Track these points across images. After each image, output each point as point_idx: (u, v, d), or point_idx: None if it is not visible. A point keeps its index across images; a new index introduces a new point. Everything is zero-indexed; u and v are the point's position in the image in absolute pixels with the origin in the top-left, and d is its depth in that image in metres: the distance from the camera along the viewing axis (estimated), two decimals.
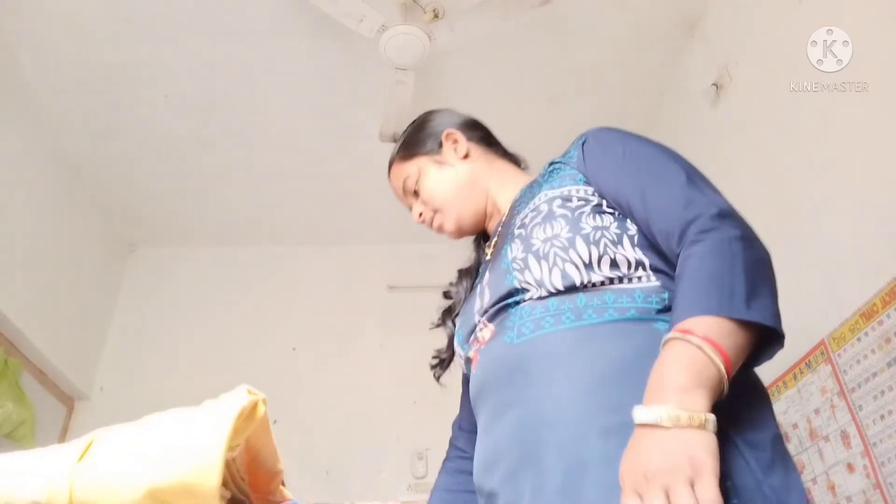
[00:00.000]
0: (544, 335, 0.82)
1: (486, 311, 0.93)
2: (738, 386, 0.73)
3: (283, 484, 0.86)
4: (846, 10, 1.80)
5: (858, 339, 1.72)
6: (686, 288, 0.74)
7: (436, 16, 2.36)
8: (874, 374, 1.66)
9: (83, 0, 2.30)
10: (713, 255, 0.74)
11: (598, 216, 0.88)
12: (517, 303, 0.88)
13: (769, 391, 2.08)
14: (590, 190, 0.92)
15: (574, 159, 0.98)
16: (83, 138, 2.81)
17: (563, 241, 0.86)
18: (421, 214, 1.16)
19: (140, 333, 3.19)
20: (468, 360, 0.97)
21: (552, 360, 0.80)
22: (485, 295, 0.95)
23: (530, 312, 0.85)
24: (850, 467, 1.73)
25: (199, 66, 2.57)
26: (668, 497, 0.61)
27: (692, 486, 0.61)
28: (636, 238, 0.86)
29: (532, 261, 0.88)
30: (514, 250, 0.92)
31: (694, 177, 0.85)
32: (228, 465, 0.71)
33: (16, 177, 2.54)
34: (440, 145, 1.17)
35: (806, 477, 1.90)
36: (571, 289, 0.84)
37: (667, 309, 0.80)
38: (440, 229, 1.16)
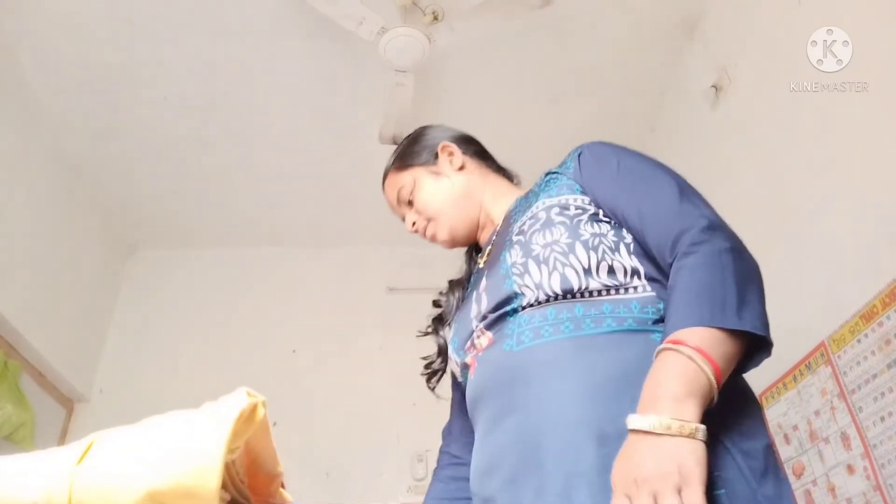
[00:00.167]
0: (544, 344, 0.83)
1: (484, 318, 0.94)
2: (733, 397, 0.76)
3: (283, 486, 0.86)
4: (846, 11, 1.80)
5: (858, 341, 1.72)
6: (678, 299, 0.76)
7: (435, 18, 2.36)
8: (874, 376, 1.66)
9: (83, 0, 2.30)
10: (704, 267, 0.77)
11: (595, 224, 0.91)
12: (515, 311, 0.89)
13: (769, 393, 2.09)
14: (586, 199, 0.94)
15: (571, 170, 1.00)
16: (83, 138, 2.81)
17: (563, 246, 0.88)
18: (414, 223, 1.18)
19: (140, 335, 3.18)
20: (465, 367, 0.98)
21: (552, 368, 0.81)
22: (482, 301, 0.96)
23: (529, 321, 0.86)
24: (850, 469, 1.73)
25: (200, 67, 2.57)
26: (656, 502, 0.63)
27: (679, 492, 0.63)
28: (632, 246, 0.89)
29: (532, 265, 0.89)
30: (514, 255, 0.93)
31: (686, 190, 0.88)
32: (228, 468, 0.71)
33: (16, 177, 2.54)
34: (436, 157, 1.19)
35: (806, 479, 1.90)
36: (568, 294, 0.85)
37: (662, 319, 0.81)
38: (433, 238, 1.17)
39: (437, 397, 1.17)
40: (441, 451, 1.17)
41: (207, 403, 0.70)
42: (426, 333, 1.17)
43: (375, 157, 2.98)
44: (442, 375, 1.16)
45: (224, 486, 0.67)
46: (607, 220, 0.92)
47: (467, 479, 1.00)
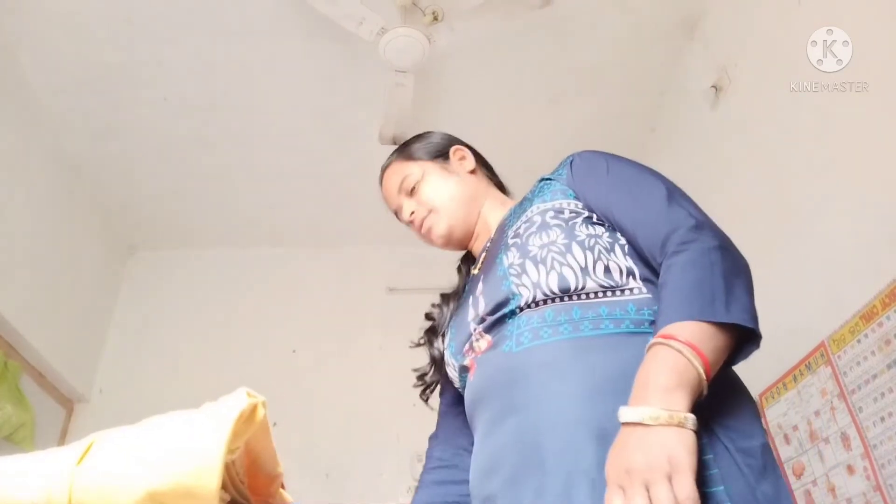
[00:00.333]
0: (543, 345, 0.84)
1: (482, 320, 0.95)
2: (730, 396, 0.79)
3: (282, 486, 0.86)
4: (846, 11, 1.80)
5: (858, 341, 1.72)
6: (669, 295, 0.78)
7: (435, 18, 2.36)
8: (874, 376, 1.66)
9: (83, 0, 2.30)
10: (693, 264, 0.79)
11: (590, 226, 0.93)
12: (513, 312, 0.90)
13: (769, 393, 2.09)
14: (580, 204, 0.97)
15: (564, 176, 1.03)
16: (83, 138, 2.81)
17: (559, 246, 0.89)
18: (413, 213, 1.17)
19: (140, 335, 3.18)
20: (463, 369, 0.98)
21: (551, 369, 0.82)
22: (479, 304, 0.97)
23: (527, 322, 0.88)
24: (850, 469, 1.73)
25: (199, 67, 2.57)
26: (648, 491, 0.64)
27: (670, 481, 0.64)
28: (626, 248, 0.91)
29: (529, 265, 0.90)
30: (511, 257, 0.94)
31: (674, 193, 0.91)
32: (228, 468, 0.71)
33: (16, 177, 2.54)
34: (447, 157, 1.21)
35: (806, 479, 1.90)
36: (566, 294, 0.86)
37: None
38: (428, 232, 1.17)
39: (430, 409, 1.18)
40: (427, 456, 1.17)
41: (207, 403, 0.70)
42: (419, 344, 1.18)
43: (375, 158, 2.97)
44: (435, 388, 1.17)
45: (224, 487, 0.67)
46: (601, 223, 0.94)
47: (452, 483, 1.04)
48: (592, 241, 0.90)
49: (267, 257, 3.43)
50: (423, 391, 1.17)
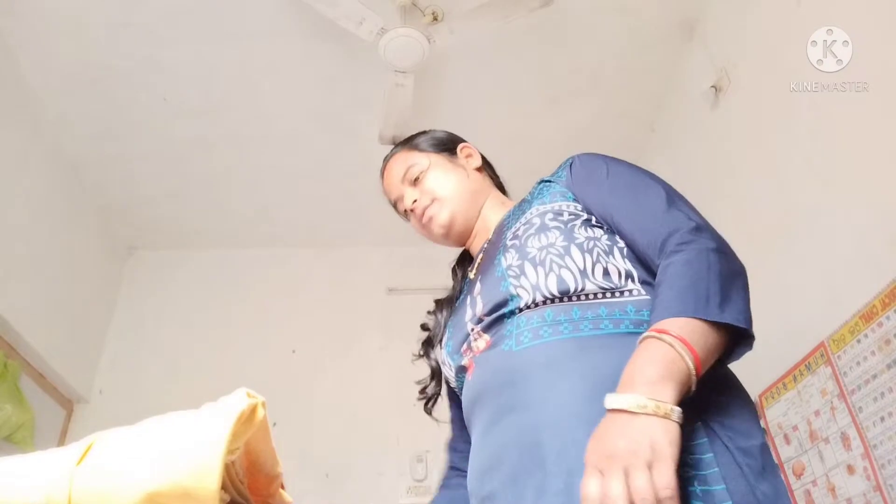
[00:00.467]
0: (543, 344, 0.85)
1: (480, 321, 0.95)
2: (728, 396, 0.79)
3: (282, 487, 0.86)
4: (845, 11, 1.80)
5: (858, 341, 1.72)
6: (664, 293, 0.79)
7: (435, 18, 2.36)
8: (874, 376, 1.66)
9: (83, 1, 2.30)
10: (690, 264, 0.80)
11: (589, 229, 0.93)
12: (512, 312, 0.90)
13: (769, 393, 2.09)
14: (579, 206, 0.97)
15: (563, 178, 1.03)
16: (83, 139, 2.81)
17: (558, 248, 0.90)
18: (415, 201, 1.16)
19: (139, 336, 3.18)
20: (461, 369, 0.98)
21: (552, 368, 0.82)
22: (477, 304, 0.97)
23: (527, 322, 0.88)
24: (850, 469, 1.73)
25: (199, 68, 2.57)
26: (626, 477, 0.64)
27: (650, 469, 0.64)
28: (625, 251, 0.91)
29: (528, 267, 0.90)
30: (509, 259, 0.94)
31: (673, 196, 0.92)
32: (228, 469, 0.71)
33: (15, 178, 2.54)
34: (454, 152, 1.21)
35: (806, 479, 1.90)
36: (565, 296, 0.87)
37: None
38: (429, 221, 1.16)
39: (435, 420, 1.17)
40: (448, 467, 1.17)
41: (207, 404, 0.70)
42: (419, 357, 1.18)
43: (375, 158, 2.96)
44: (437, 399, 1.17)
45: (224, 487, 0.67)
46: (599, 225, 0.94)
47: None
48: (591, 243, 0.90)
49: (267, 258, 3.43)
50: (426, 404, 1.17)
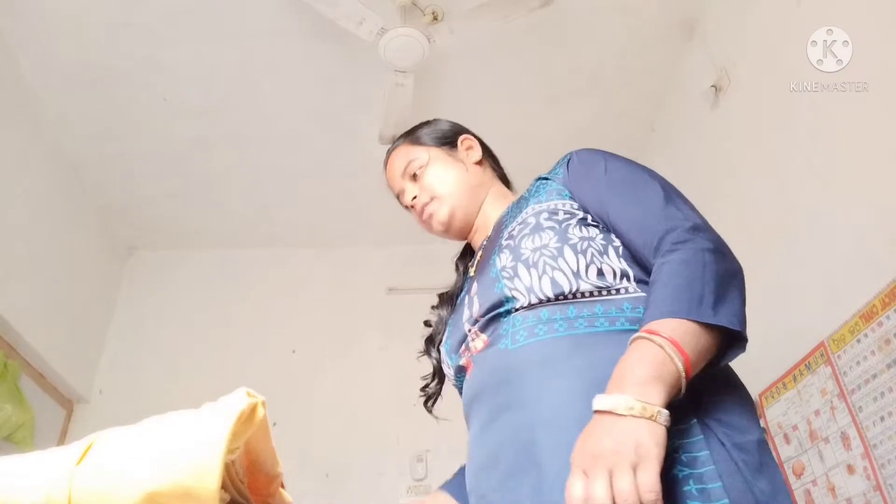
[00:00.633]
0: (539, 342, 0.85)
1: (476, 321, 0.95)
2: (725, 392, 0.78)
3: (282, 486, 0.86)
4: (845, 11, 1.80)
5: (858, 341, 1.72)
6: (658, 292, 0.78)
7: (435, 18, 2.36)
8: (874, 376, 1.66)
9: (83, 1, 2.30)
10: (685, 264, 0.79)
11: (584, 228, 0.92)
12: (508, 312, 0.90)
13: (769, 393, 2.09)
14: (575, 205, 0.96)
15: (560, 176, 1.02)
16: (83, 139, 2.81)
17: (551, 250, 0.89)
18: (415, 198, 1.17)
19: (139, 336, 3.18)
20: (460, 369, 0.98)
21: (547, 366, 0.82)
22: (473, 305, 0.97)
23: (523, 321, 0.88)
24: (850, 469, 1.73)
25: (199, 68, 2.57)
26: (611, 478, 0.64)
27: (635, 470, 0.63)
28: (621, 250, 0.90)
29: (521, 269, 0.90)
30: (503, 259, 0.94)
31: (671, 194, 0.90)
32: (228, 468, 0.71)
33: (15, 178, 2.54)
34: (454, 145, 1.20)
35: (806, 478, 1.90)
36: (560, 297, 0.86)
37: None
38: (429, 218, 1.16)
39: (435, 418, 1.18)
40: None
41: (207, 404, 0.70)
42: (423, 354, 1.18)
43: (375, 158, 2.98)
44: (438, 398, 1.17)
45: (224, 487, 0.67)
46: (595, 224, 0.93)
47: None
48: (585, 243, 0.89)
49: (267, 257, 3.43)
50: (427, 402, 1.17)
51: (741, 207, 2.21)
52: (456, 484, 1.11)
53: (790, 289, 1.99)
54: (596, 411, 0.69)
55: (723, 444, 0.72)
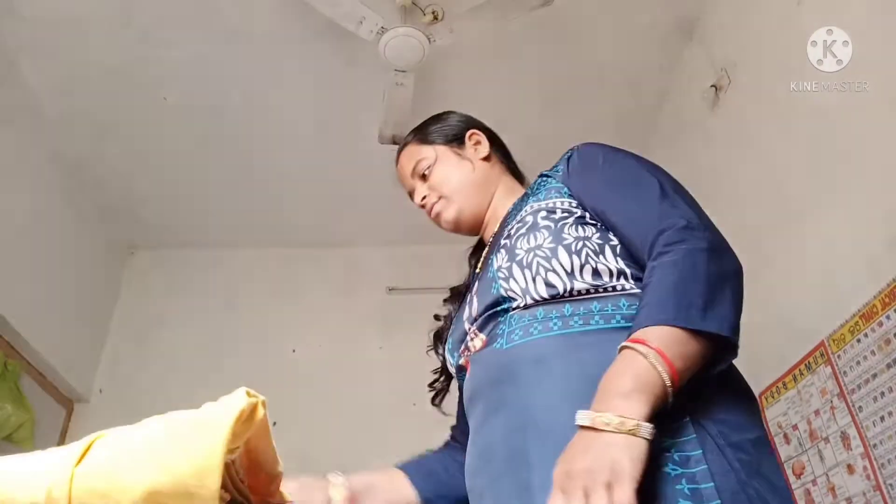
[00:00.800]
0: (532, 341, 0.84)
1: (475, 320, 0.95)
2: (723, 391, 0.77)
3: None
4: (845, 11, 1.80)
5: (858, 341, 1.72)
6: (647, 297, 0.77)
7: (435, 17, 2.36)
8: (874, 376, 1.66)
9: (83, 1, 2.30)
10: (675, 267, 0.77)
11: (580, 227, 0.91)
12: (505, 311, 0.91)
13: (769, 392, 2.09)
14: (574, 202, 0.95)
15: (560, 173, 1.02)
16: (83, 140, 2.81)
17: (545, 250, 0.89)
18: (424, 198, 1.17)
19: (139, 336, 3.18)
20: (460, 369, 0.99)
21: (540, 364, 0.82)
22: (473, 304, 0.97)
23: (519, 320, 0.88)
24: (850, 469, 1.73)
25: (199, 69, 2.57)
26: (587, 497, 0.63)
27: (610, 488, 0.63)
28: (618, 248, 0.89)
29: (516, 270, 0.90)
30: (500, 260, 0.94)
31: (668, 190, 0.88)
32: (228, 468, 0.71)
33: (15, 177, 2.54)
34: (462, 141, 1.20)
35: (806, 478, 1.90)
36: (556, 297, 0.86)
37: None
38: (437, 217, 1.17)
39: (443, 413, 1.18)
40: (450, 438, 1.20)
41: (207, 403, 0.70)
42: (431, 348, 1.19)
43: (375, 158, 2.99)
44: (445, 394, 1.17)
45: (224, 487, 0.67)
46: (593, 222, 0.92)
47: (461, 463, 1.04)
48: (580, 243, 0.88)
49: (266, 258, 3.43)
50: (434, 397, 1.18)
51: (741, 207, 2.21)
52: (415, 466, 1.12)
53: (790, 288, 1.99)
54: (578, 426, 0.69)
55: (717, 443, 0.71)
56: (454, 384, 1.17)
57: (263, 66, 2.60)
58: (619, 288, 0.86)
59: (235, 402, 0.69)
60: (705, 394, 0.75)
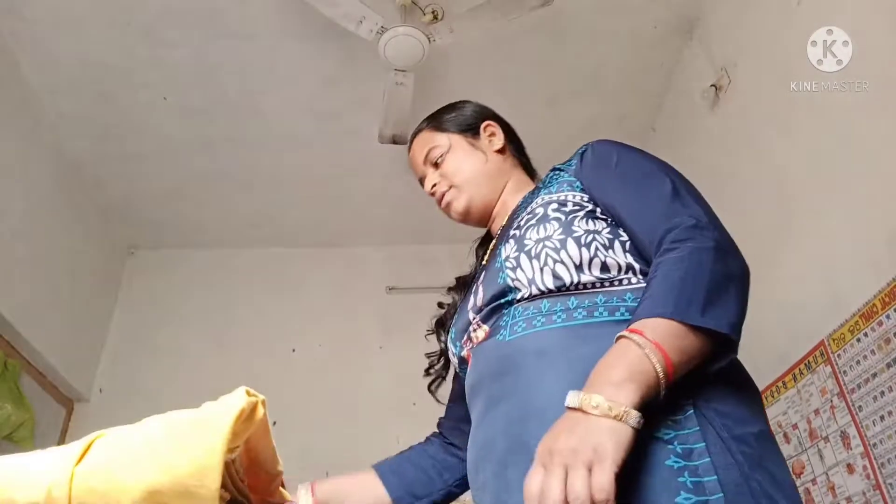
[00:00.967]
0: (535, 333, 0.84)
1: (480, 310, 0.95)
2: (729, 384, 0.77)
3: (282, 485, 0.86)
4: (845, 11, 1.80)
5: (858, 340, 1.72)
6: (649, 290, 0.77)
7: (435, 17, 2.36)
8: (874, 375, 1.66)
9: (83, 1, 2.30)
10: (680, 263, 0.78)
11: (591, 221, 0.91)
12: (510, 303, 0.90)
13: (769, 392, 2.09)
14: (585, 196, 0.95)
15: (573, 167, 1.02)
16: (83, 139, 2.82)
17: (555, 242, 0.88)
18: (435, 185, 1.16)
19: (139, 335, 3.18)
20: (462, 360, 0.99)
21: (542, 356, 0.82)
22: (479, 293, 0.97)
23: (522, 312, 0.88)
24: (849, 468, 1.73)
25: (199, 68, 2.57)
26: (567, 475, 0.63)
27: (590, 470, 0.63)
28: (627, 244, 0.89)
29: (524, 260, 0.90)
30: (508, 250, 0.94)
31: (680, 189, 0.89)
32: (228, 467, 0.71)
33: (16, 178, 2.54)
34: (477, 132, 1.20)
35: (806, 478, 1.90)
36: (562, 289, 0.86)
37: None
38: (447, 207, 1.16)
39: (437, 401, 1.18)
40: (435, 433, 1.21)
41: (207, 403, 0.71)
42: (431, 333, 1.18)
43: (375, 157, 2.99)
44: (443, 381, 1.17)
45: (224, 485, 0.68)
46: (604, 217, 0.92)
47: (451, 454, 1.10)
48: (590, 237, 0.88)
49: (266, 258, 3.43)
50: (431, 383, 1.17)
51: (741, 207, 2.21)
52: (387, 465, 1.12)
53: (790, 288, 1.99)
54: (566, 407, 0.69)
55: (720, 435, 0.71)
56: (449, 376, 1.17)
57: (263, 66, 2.60)
58: (625, 282, 0.86)
59: (235, 401, 0.69)
60: (708, 387, 0.75)
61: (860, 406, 1.70)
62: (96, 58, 2.49)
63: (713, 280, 0.76)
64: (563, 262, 0.86)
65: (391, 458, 1.14)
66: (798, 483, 1.93)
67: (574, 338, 0.82)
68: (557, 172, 1.04)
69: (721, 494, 0.66)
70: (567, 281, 0.85)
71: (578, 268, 0.86)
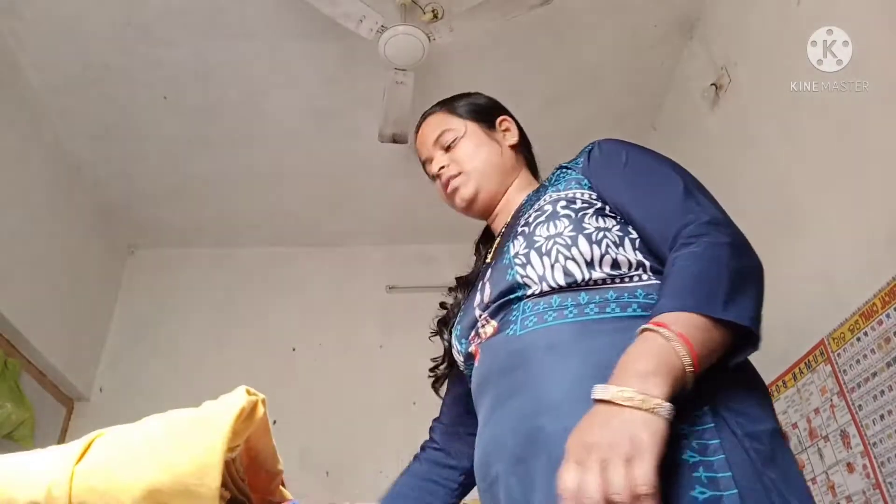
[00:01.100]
0: (546, 328, 0.84)
1: (487, 307, 0.95)
2: (740, 381, 0.77)
3: (282, 484, 0.86)
4: (845, 11, 1.80)
5: (858, 339, 1.72)
6: (669, 285, 0.77)
7: (435, 16, 2.36)
8: (874, 374, 1.66)
9: (83, 1, 2.30)
10: (699, 257, 0.78)
11: (601, 218, 0.91)
12: (519, 298, 0.90)
13: (769, 391, 2.08)
14: (594, 195, 0.95)
15: (580, 165, 1.01)
16: (83, 139, 2.82)
17: (566, 238, 0.88)
18: (442, 168, 1.14)
19: (139, 335, 3.19)
20: (469, 356, 0.98)
21: (554, 351, 0.82)
22: (485, 290, 0.96)
23: (533, 308, 0.87)
24: (849, 467, 1.73)
25: (199, 68, 2.57)
26: (603, 471, 0.62)
27: (629, 463, 0.62)
28: (637, 242, 0.89)
29: (534, 256, 0.89)
30: (517, 246, 0.93)
31: (691, 187, 0.89)
32: (228, 466, 0.71)
33: (16, 177, 2.54)
34: (492, 123, 1.18)
35: (806, 477, 1.90)
36: (573, 286, 0.86)
37: None
38: (454, 192, 1.14)
39: (440, 398, 1.18)
40: (429, 436, 1.19)
41: (207, 402, 0.71)
42: (435, 334, 1.17)
43: (375, 157, 2.99)
44: (446, 381, 1.17)
45: (224, 485, 0.68)
46: (613, 215, 0.92)
47: (441, 465, 1.10)
48: (600, 234, 0.88)
49: (266, 257, 3.44)
50: (435, 382, 1.16)
51: (741, 206, 2.20)
52: (387, 499, 1.11)
53: (790, 287, 1.99)
54: (595, 400, 0.68)
55: (735, 433, 0.71)
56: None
57: (263, 66, 2.60)
58: (636, 279, 0.85)
59: (235, 400, 0.69)
60: (723, 384, 0.75)
61: (860, 405, 1.70)
62: (96, 58, 2.49)
63: (732, 275, 0.76)
64: (574, 259, 0.86)
65: (389, 491, 1.13)
66: None
67: (586, 332, 0.81)
68: (564, 170, 1.03)
69: (735, 490, 0.66)
70: (578, 278, 0.85)
71: (589, 264, 0.85)
